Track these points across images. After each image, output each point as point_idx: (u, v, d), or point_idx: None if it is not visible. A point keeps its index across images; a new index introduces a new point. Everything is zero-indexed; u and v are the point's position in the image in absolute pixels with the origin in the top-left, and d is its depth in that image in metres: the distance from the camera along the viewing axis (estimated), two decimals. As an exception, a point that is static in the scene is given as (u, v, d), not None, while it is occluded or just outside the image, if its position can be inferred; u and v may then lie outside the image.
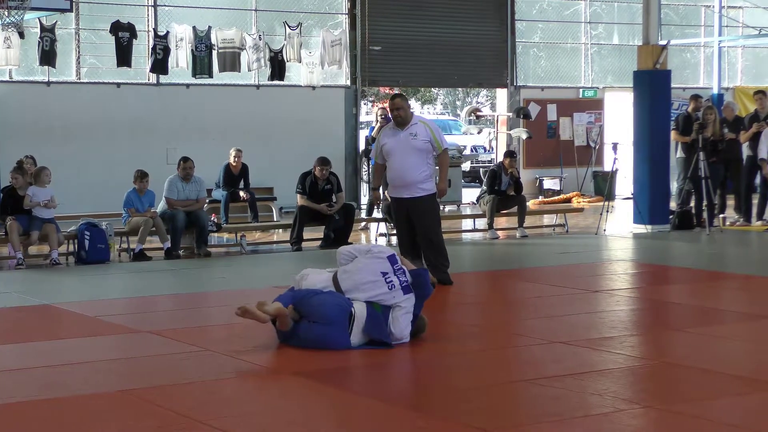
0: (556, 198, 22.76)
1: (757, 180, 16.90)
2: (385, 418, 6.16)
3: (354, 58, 21.57)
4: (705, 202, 16.21)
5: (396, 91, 21.42)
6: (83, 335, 8.71)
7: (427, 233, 10.84)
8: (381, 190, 11.70)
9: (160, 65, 19.36)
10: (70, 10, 16.50)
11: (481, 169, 27.58)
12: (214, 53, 19.77)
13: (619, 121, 23.61)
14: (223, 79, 20.16)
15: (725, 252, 14.56)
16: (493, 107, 25.30)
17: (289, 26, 20.54)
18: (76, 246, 13.69)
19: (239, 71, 20.13)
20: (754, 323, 9.05)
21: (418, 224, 10.86)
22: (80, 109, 19.09)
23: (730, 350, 8.04)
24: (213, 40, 19.72)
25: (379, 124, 18.10)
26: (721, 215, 17.02)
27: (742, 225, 16.96)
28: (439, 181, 11.02)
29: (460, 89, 43.06)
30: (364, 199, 20.32)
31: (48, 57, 18.32)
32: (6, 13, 13.60)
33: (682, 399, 6.45)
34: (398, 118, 10.78)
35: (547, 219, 18.69)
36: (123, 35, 18.95)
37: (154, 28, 19.42)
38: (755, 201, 17.02)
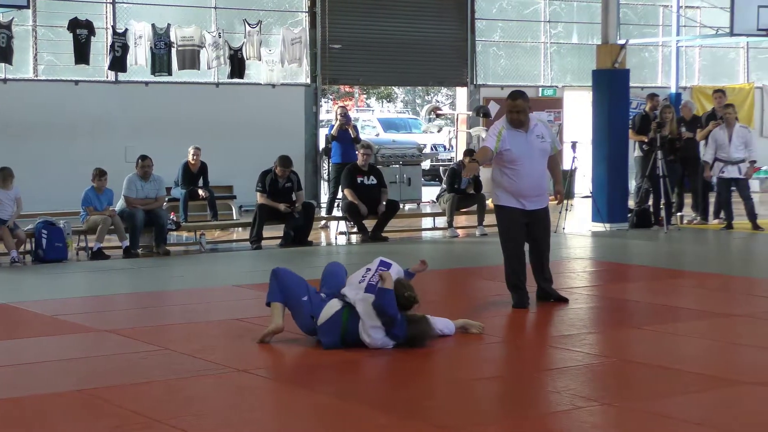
0: (515, 196, 22.77)
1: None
2: (345, 415, 6.16)
3: (314, 57, 21.54)
4: (663, 201, 16.32)
5: (356, 89, 21.43)
6: (41, 334, 8.65)
7: (546, 246, 9.87)
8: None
9: (118, 63, 19.24)
10: (27, 7, 16.32)
11: (440, 167, 27.64)
12: (173, 51, 19.66)
13: (578, 119, 23.72)
14: (183, 77, 20.06)
15: (683, 250, 14.66)
16: (453, 106, 25.30)
17: (248, 24, 20.47)
18: (34, 245, 13.59)
19: (198, 69, 20.05)
20: (711, 320, 9.12)
21: (539, 236, 9.74)
22: (38, 106, 18.93)
23: (688, 347, 8.10)
24: (172, 38, 19.62)
25: (338, 122, 18.16)
26: (679, 213, 17.14)
27: (699, 223, 17.09)
28: (557, 183, 10.00)
29: (420, 87, 43.11)
30: (324, 198, 20.29)
31: (5, 54, 18.14)
32: (-38, 9, 13.46)
33: (640, 396, 6.49)
34: (517, 121, 9.44)
35: (507, 217, 18.71)
36: (81, 32, 18.81)
37: (112, 26, 19.29)
38: (712, 199, 17.16)
